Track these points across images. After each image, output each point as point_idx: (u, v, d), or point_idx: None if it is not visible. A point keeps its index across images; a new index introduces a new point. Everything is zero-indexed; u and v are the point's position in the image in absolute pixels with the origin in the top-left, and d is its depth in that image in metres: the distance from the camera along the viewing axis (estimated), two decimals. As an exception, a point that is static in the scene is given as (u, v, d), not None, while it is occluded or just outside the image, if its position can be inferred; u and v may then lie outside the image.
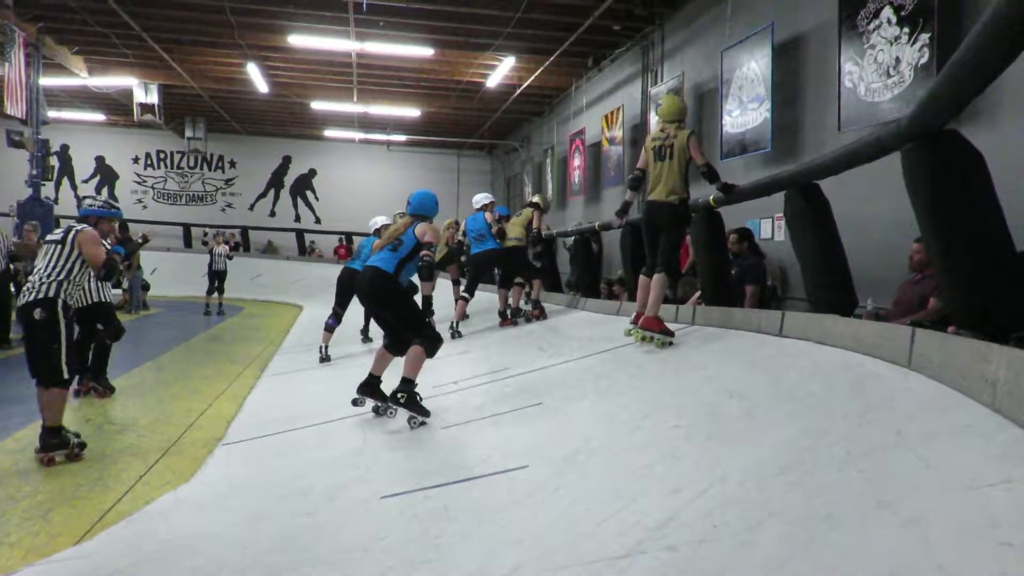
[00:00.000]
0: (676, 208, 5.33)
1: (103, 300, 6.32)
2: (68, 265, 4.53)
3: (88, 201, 5.11)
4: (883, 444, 2.37)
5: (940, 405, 2.51)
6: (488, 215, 8.57)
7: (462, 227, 9.15)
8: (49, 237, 4.75)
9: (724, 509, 2.29)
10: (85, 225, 4.76)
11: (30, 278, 4.56)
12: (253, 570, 2.66)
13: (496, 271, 9.09)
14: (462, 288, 8.92)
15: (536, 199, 8.78)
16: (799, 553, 1.90)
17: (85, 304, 6.09)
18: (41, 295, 4.39)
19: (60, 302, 4.42)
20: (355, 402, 4.91)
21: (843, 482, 2.22)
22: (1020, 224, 3.36)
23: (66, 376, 4.39)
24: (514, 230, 8.51)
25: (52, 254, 4.54)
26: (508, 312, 8.50)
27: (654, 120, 10.84)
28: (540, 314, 8.30)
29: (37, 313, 4.36)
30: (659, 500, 2.51)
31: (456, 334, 8.19)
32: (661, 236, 5.45)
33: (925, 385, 2.75)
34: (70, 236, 4.59)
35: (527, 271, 8.67)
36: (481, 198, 8.89)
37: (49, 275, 4.47)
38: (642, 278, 5.55)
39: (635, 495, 2.63)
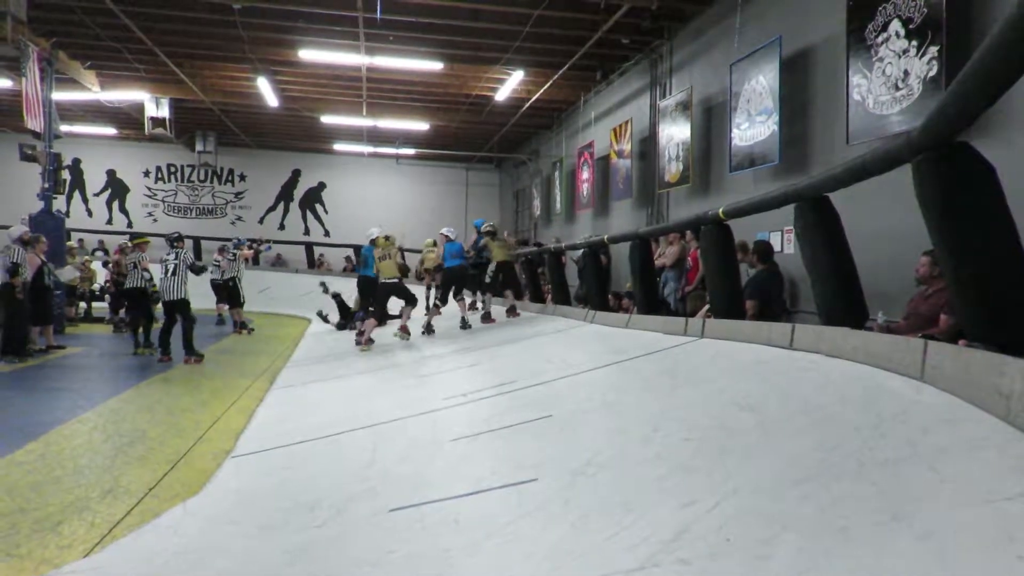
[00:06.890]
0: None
1: (184, 297, 9.26)
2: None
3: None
4: (897, 457, 2.35)
5: (954, 418, 2.49)
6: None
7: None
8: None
9: (737, 522, 2.28)
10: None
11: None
12: (263, 582, 2.66)
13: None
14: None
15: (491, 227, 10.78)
16: (814, 567, 1.88)
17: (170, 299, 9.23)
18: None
19: None
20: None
21: (857, 495, 2.20)
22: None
23: None
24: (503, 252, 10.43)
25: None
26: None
27: (663, 134, 10.93)
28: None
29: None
30: (671, 513, 2.49)
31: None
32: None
33: (938, 398, 2.73)
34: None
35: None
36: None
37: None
38: None
39: (647, 508, 2.61)
